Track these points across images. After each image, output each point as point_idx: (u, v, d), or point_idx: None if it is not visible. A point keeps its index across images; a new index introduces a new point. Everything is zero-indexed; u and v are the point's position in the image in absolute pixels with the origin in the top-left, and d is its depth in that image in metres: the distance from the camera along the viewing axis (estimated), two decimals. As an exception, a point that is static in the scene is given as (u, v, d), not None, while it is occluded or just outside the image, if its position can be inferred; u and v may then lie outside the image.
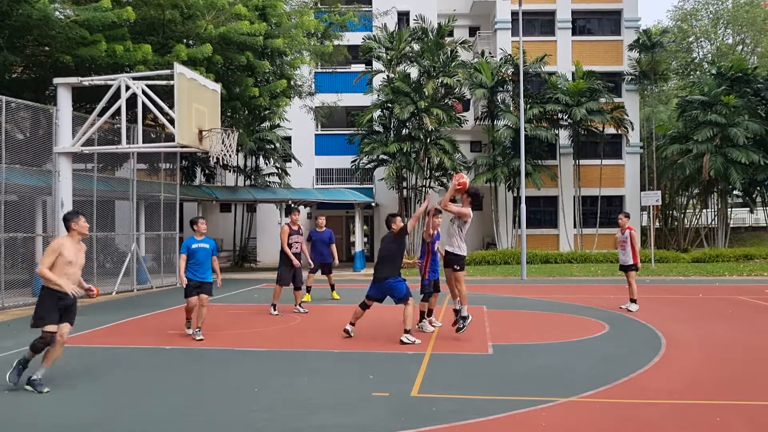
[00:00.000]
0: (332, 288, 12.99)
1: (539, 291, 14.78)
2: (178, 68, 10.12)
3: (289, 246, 10.82)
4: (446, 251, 8.31)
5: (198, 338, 8.38)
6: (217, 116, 11.25)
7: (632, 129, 26.22)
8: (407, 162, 23.54)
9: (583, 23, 28.21)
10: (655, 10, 70.32)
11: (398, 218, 8.50)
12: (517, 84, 23.12)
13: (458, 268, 8.16)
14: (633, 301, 11.10)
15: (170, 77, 10.26)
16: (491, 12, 28.56)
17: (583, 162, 26.39)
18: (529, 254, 22.04)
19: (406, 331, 8.03)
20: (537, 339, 8.54)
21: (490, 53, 26.95)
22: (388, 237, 8.46)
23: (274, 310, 10.81)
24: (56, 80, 11.08)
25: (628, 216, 11.42)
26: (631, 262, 11.15)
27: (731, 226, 28.88)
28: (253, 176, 25.45)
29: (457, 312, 8.29)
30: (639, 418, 5.03)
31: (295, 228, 11.00)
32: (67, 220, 6.08)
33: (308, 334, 9.11)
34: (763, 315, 10.69)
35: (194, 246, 8.49)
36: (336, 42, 20.74)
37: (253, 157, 25.53)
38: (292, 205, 11.08)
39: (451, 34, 26.57)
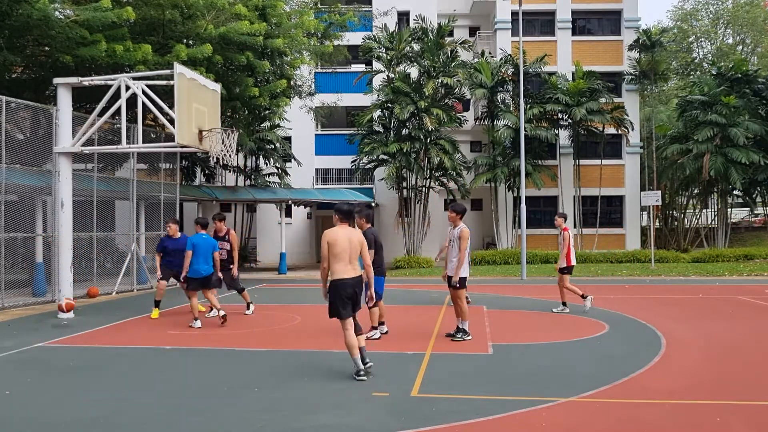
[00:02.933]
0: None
1: (539, 291, 14.77)
2: (178, 68, 10.10)
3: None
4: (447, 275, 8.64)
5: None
6: (217, 116, 11.23)
7: (632, 129, 26.20)
8: (407, 162, 23.52)
9: (583, 23, 28.21)
10: (655, 10, 70.44)
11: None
12: (517, 84, 23.12)
13: (458, 285, 8.38)
14: (563, 303, 11.00)
15: (170, 77, 10.24)
16: (491, 12, 28.56)
17: (583, 162, 26.38)
18: (529, 254, 22.03)
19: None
20: (537, 339, 8.54)
21: (490, 53, 26.94)
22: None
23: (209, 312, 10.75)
24: (56, 80, 11.06)
25: (563, 216, 10.94)
26: (564, 264, 10.71)
27: (731, 226, 28.89)
28: (253, 176, 25.45)
29: (458, 328, 8.49)
30: (639, 418, 5.03)
31: (221, 235, 10.76)
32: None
33: (308, 334, 9.11)
34: (763, 315, 10.69)
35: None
36: (336, 42, 20.72)
37: (253, 157, 25.54)
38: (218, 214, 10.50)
39: (451, 34, 26.56)
